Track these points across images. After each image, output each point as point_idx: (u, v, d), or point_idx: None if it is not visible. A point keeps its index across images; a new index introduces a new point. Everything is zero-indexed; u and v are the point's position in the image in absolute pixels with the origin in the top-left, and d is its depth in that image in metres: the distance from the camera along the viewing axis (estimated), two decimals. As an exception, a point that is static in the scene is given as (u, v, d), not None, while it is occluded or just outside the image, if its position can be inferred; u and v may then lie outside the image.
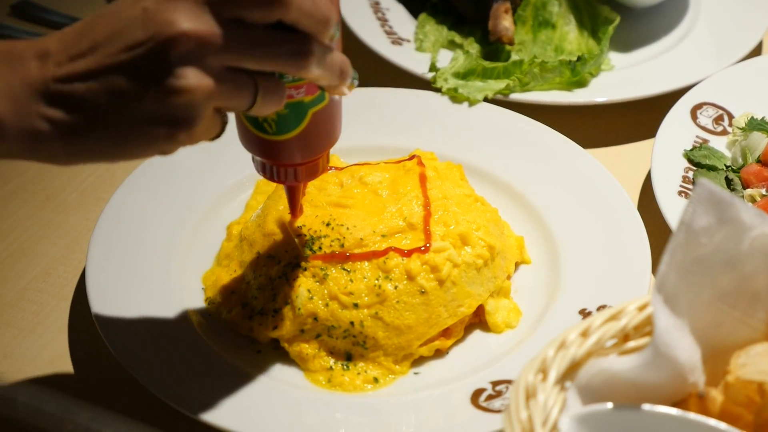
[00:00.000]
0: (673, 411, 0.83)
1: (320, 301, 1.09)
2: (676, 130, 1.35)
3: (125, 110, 0.86)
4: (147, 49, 0.84)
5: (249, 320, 1.12)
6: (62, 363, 1.15)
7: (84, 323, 1.17)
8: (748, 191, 1.27)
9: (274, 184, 1.24)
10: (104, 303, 1.12)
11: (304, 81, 0.95)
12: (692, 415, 0.83)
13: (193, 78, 0.84)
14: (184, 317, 1.13)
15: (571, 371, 0.86)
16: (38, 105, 0.86)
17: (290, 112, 0.96)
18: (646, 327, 0.90)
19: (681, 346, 0.85)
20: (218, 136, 0.91)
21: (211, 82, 0.85)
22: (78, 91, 0.85)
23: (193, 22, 0.84)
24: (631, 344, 0.89)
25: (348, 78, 0.94)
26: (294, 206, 1.10)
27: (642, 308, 0.90)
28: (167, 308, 1.14)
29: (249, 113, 0.91)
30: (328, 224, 1.12)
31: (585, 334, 0.88)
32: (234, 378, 1.07)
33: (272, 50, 0.87)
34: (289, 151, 0.99)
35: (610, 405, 0.83)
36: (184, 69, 0.84)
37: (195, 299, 1.17)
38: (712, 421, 0.82)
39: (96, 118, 0.86)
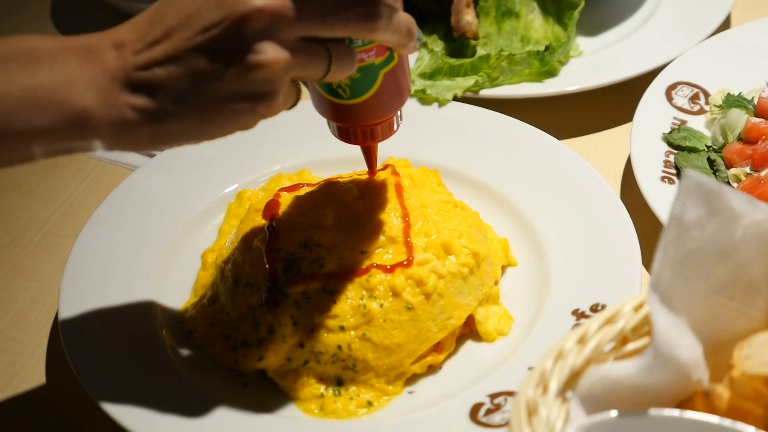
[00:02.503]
0: (680, 413, 0.80)
1: (304, 327, 1.06)
2: (653, 114, 1.32)
3: (207, 90, 0.88)
4: (223, 29, 0.87)
5: (233, 352, 1.09)
6: (45, 414, 1.11)
7: (63, 369, 1.13)
8: (732, 171, 1.24)
9: (246, 207, 1.21)
10: (80, 346, 1.08)
11: (374, 44, 0.98)
12: (700, 415, 0.80)
13: (270, 52, 0.88)
14: (166, 355, 1.09)
15: (571, 381, 0.84)
16: (122, 94, 0.88)
17: (363, 76, 1.00)
18: (643, 327, 0.88)
19: (682, 345, 0.83)
20: (294, 104, 0.95)
21: (288, 54, 0.89)
22: (159, 76, 0.88)
23: None
24: (631, 347, 0.87)
25: (415, 36, 0.98)
26: (372, 165, 1.13)
27: (638, 308, 0.88)
28: (147, 346, 1.10)
29: (323, 80, 0.94)
30: (305, 246, 1.09)
31: (582, 341, 0.85)
32: (222, 414, 1.03)
33: (342, 16, 0.91)
34: (365, 113, 1.03)
35: (614, 413, 0.81)
36: (261, 44, 0.88)
37: (175, 334, 1.13)
38: (723, 420, 0.79)
39: (179, 100, 0.89)
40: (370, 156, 1.12)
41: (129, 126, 0.89)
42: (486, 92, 1.40)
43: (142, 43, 0.89)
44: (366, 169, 1.21)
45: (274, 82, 0.89)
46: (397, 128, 1.07)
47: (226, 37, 0.88)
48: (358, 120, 1.04)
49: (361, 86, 1.01)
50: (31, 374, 1.14)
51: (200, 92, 0.89)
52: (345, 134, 1.06)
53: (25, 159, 0.90)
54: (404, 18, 0.96)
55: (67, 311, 1.12)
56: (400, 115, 1.07)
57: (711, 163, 1.26)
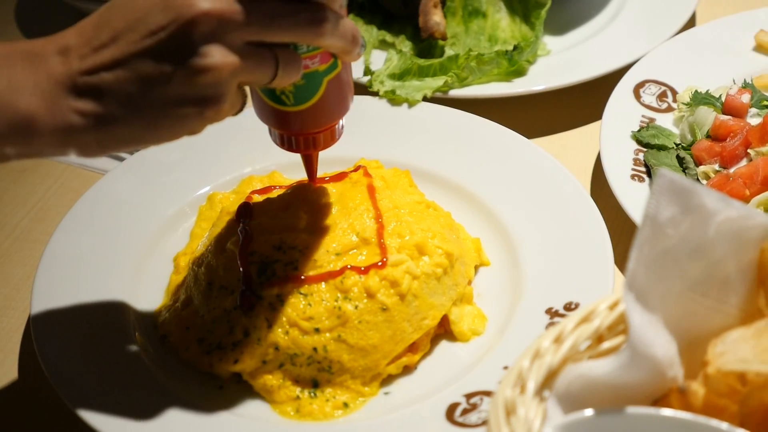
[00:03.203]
0: (656, 410, 0.81)
1: (280, 330, 1.06)
2: (621, 112, 1.33)
3: (154, 94, 0.88)
4: (170, 32, 0.87)
5: (208, 356, 1.08)
6: (19, 420, 1.10)
7: (36, 375, 1.12)
8: (701, 168, 1.25)
9: (218, 210, 1.21)
10: (53, 352, 1.08)
11: (318, 50, 0.98)
12: (675, 413, 0.81)
13: (218, 56, 0.87)
14: (140, 359, 1.09)
15: (548, 380, 0.84)
16: (68, 99, 0.87)
17: (307, 82, 0.99)
18: (619, 326, 0.88)
19: (657, 343, 0.83)
20: (241, 110, 0.94)
21: (236, 58, 0.88)
22: (105, 81, 0.87)
23: (212, 1, 0.87)
24: (606, 345, 0.87)
25: (359, 43, 0.98)
26: (312, 174, 1.12)
27: (613, 307, 0.88)
28: (121, 352, 1.09)
29: (269, 86, 0.94)
30: (279, 248, 1.09)
31: (558, 340, 0.86)
32: (198, 418, 1.03)
33: (289, 21, 0.90)
34: (308, 121, 1.03)
35: (591, 411, 0.81)
36: (209, 48, 0.87)
37: (149, 338, 1.12)
38: (698, 417, 0.80)
39: (126, 104, 0.88)
40: (310, 164, 1.11)
41: (75, 131, 0.88)
42: (455, 92, 1.40)
43: (89, 48, 0.88)
44: (338, 170, 1.21)
45: (221, 86, 0.89)
46: (339, 137, 1.07)
47: (174, 40, 0.87)
48: (301, 128, 1.03)
49: (304, 93, 1.00)
50: (4, 380, 1.13)
51: (147, 96, 0.88)
52: (287, 142, 1.05)
53: None
54: (349, 25, 0.96)
55: (39, 316, 1.11)
56: (342, 124, 1.07)
57: (680, 160, 1.27)
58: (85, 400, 1.03)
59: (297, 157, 1.29)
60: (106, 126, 0.88)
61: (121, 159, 1.34)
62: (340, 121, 1.06)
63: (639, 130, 1.30)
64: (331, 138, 1.06)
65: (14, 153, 0.90)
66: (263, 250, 1.09)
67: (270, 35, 0.91)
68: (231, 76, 0.89)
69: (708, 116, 1.29)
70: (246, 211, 1.13)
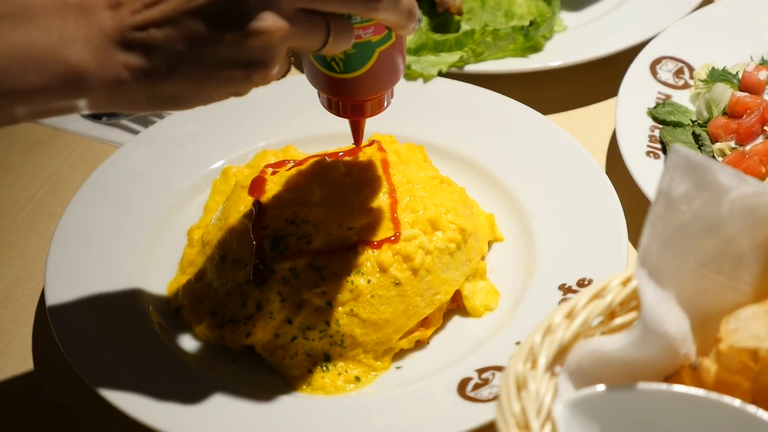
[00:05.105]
0: (668, 387, 0.81)
1: (292, 303, 1.06)
2: (637, 88, 1.33)
3: (202, 55, 0.88)
4: None
5: (220, 329, 1.09)
6: (32, 391, 1.11)
7: (49, 347, 1.12)
8: (718, 145, 1.25)
9: (231, 184, 1.21)
10: (67, 324, 1.08)
11: (373, 21, 0.97)
12: (687, 389, 0.81)
13: (269, 20, 0.87)
14: (153, 332, 1.09)
15: (560, 356, 0.84)
16: (117, 53, 0.88)
17: (358, 52, 0.99)
18: (631, 302, 0.88)
19: (670, 319, 0.83)
20: (285, 74, 0.94)
21: (287, 23, 0.88)
22: (155, 37, 0.88)
23: None
24: (618, 321, 0.87)
25: (416, 18, 0.97)
26: (358, 138, 1.11)
27: (625, 282, 0.88)
28: (134, 324, 1.10)
29: (319, 53, 0.94)
30: (292, 222, 1.09)
31: (570, 315, 0.85)
32: (211, 391, 1.04)
33: None
34: (357, 89, 1.03)
35: (602, 387, 0.81)
36: (261, 12, 0.87)
37: (162, 311, 1.13)
38: (710, 394, 0.80)
39: (173, 63, 0.88)
40: (357, 130, 1.11)
41: (124, 85, 0.88)
42: (471, 68, 1.40)
43: (140, 3, 0.88)
44: (351, 144, 1.21)
45: (271, 50, 0.89)
46: (388, 105, 1.06)
47: (226, 2, 0.87)
48: (349, 95, 1.03)
49: (355, 62, 1.00)
50: (18, 352, 1.14)
51: (195, 56, 0.88)
52: (335, 107, 1.05)
53: (17, 119, 0.89)
54: (407, 0, 0.95)
55: (53, 289, 1.11)
56: (392, 92, 1.06)
57: (696, 137, 1.26)
58: (97, 372, 1.04)
59: (311, 132, 1.30)
60: (154, 82, 0.89)
61: (136, 132, 1.35)
62: (391, 89, 1.06)
63: (655, 107, 1.30)
64: (379, 106, 1.06)
65: (33, 112, 0.89)
66: (276, 224, 1.09)
67: (323, 4, 0.90)
68: (281, 41, 0.88)
69: (725, 93, 1.28)
70: (260, 185, 1.14)
